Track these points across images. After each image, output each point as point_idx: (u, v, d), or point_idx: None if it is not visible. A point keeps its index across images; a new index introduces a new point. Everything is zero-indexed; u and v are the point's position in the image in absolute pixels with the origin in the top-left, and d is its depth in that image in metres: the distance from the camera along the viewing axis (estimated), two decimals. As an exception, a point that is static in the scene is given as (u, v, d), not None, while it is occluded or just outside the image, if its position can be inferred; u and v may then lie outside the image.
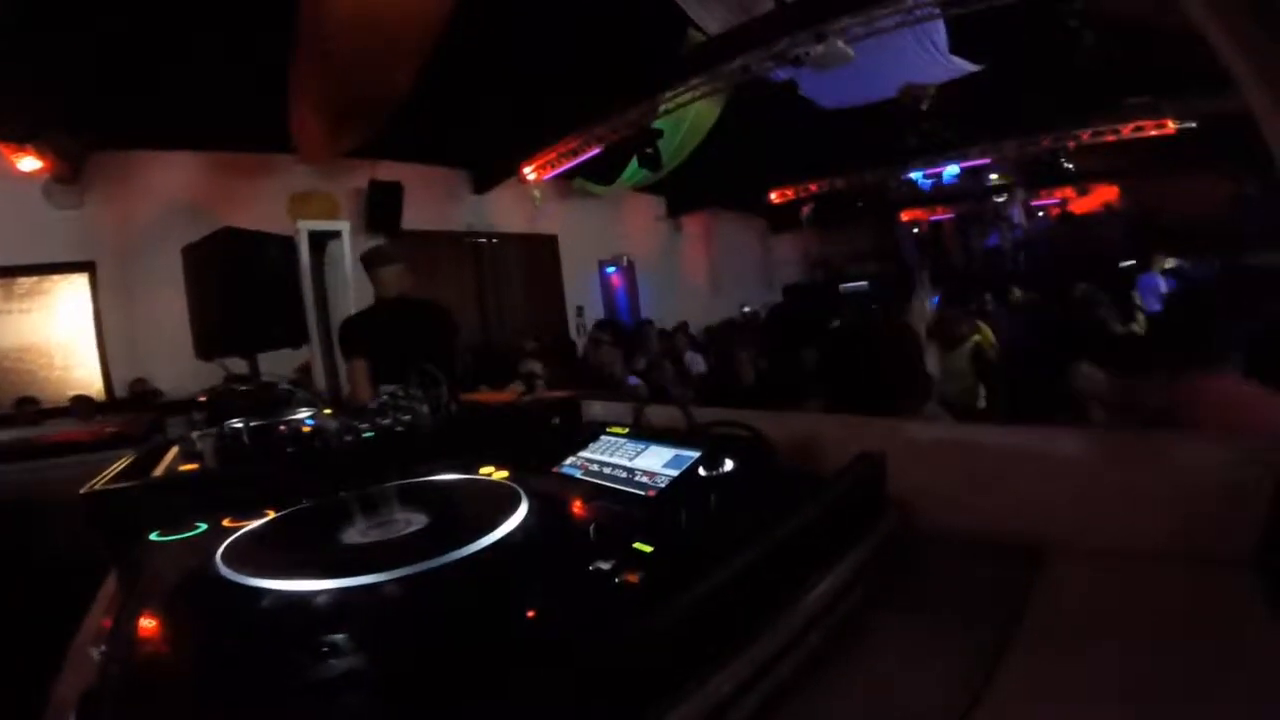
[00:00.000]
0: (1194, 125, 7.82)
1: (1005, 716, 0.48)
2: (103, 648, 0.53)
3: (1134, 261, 7.58)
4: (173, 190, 5.40)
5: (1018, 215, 11.35)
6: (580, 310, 9.04)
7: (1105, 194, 10.95)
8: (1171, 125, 8.02)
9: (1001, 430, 0.81)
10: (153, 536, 0.73)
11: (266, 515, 0.74)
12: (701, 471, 0.73)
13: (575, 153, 7.21)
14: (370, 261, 3.05)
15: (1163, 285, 6.35)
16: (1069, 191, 11.14)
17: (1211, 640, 0.53)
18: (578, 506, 0.73)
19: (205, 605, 0.55)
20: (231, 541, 0.62)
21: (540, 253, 8.77)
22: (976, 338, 3.57)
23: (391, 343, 2.76)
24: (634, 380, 3.51)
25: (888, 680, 0.55)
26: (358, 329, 2.99)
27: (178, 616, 0.55)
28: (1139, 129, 8.22)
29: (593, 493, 0.79)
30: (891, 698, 0.53)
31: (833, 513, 0.65)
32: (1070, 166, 9.49)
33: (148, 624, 0.56)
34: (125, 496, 0.91)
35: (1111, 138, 8.50)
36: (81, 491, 0.95)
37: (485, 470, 0.88)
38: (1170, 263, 6.87)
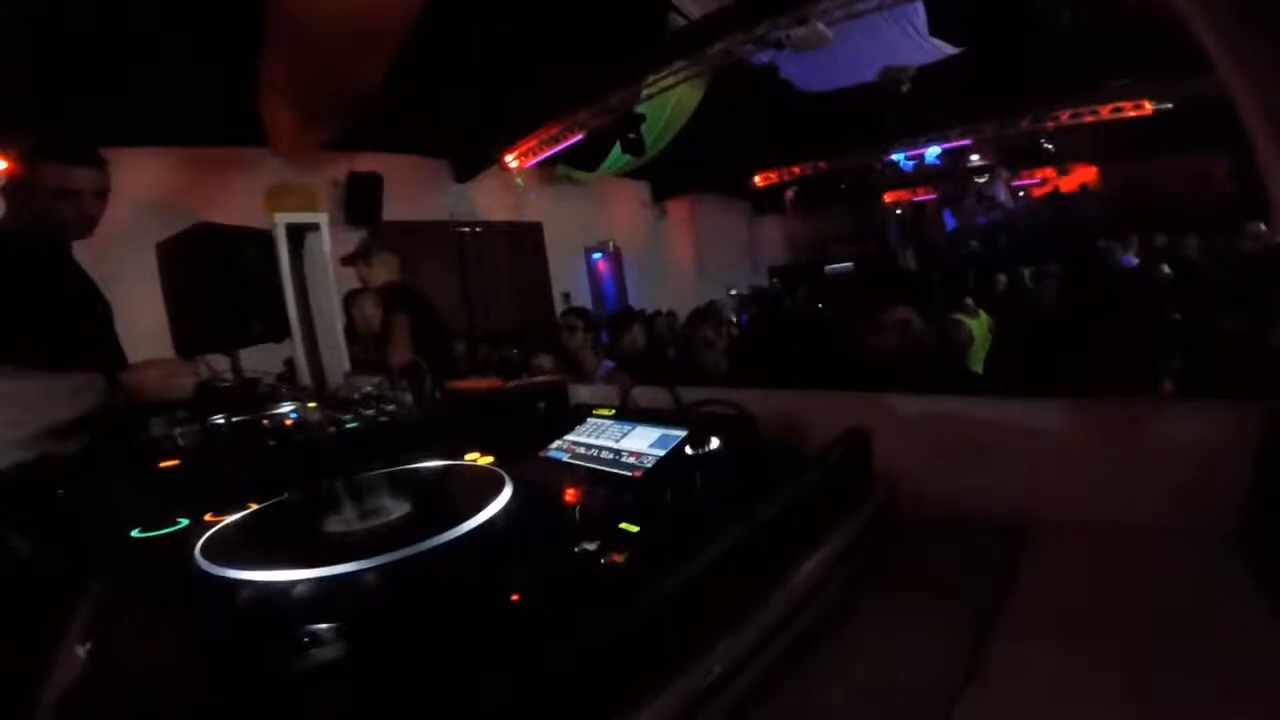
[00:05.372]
0: (1170, 106, 7.88)
1: (995, 693, 0.48)
2: (87, 645, 0.53)
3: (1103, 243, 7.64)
4: (145, 186, 5.27)
5: (1001, 195, 11.42)
6: (567, 297, 9.00)
7: (1084, 174, 11.05)
8: (1149, 106, 8.08)
9: (986, 403, 0.81)
10: (134, 533, 0.72)
11: (249, 508, 0.73)
12: (688, 451, 0.73)
13: (557, 139, 7.14)
14: (365, 251, 3.19)
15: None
16: (1049, 172, 11.22)
17: (1196, 614, 0.54)
18: (564, 489, 0.73)
19: (185, 599, 0.54)
20: (211, 534, 0.61)
21: (525, 241, 8.70)
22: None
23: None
24: (610, 364, 3.49)
25: (877, 657, 0.55)
26: (406, 292, 3.07)
27: (159, 612, 0.54)
28: (1117, 110, 8.29)
29: (579, 475, 0.79)
30: (882, 675, 0.53)
31: (819, 489, 0.65)
32: (1050, 147, 9.56)
33: (130, 620, 0.55)
34: (107, 493, 0.90)
35: (1090, 119, 8.57)
36: (60, 491, 0.94)
37: (470, 457, 0.88)
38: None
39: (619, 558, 0.53)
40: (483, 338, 5.94)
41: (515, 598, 0.49)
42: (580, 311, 3.82)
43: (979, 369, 3.43)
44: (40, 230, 1.60)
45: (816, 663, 0.54)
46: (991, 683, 0.49)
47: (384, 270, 3.16)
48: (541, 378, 1.44)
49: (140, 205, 4.88)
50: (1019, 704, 0.48)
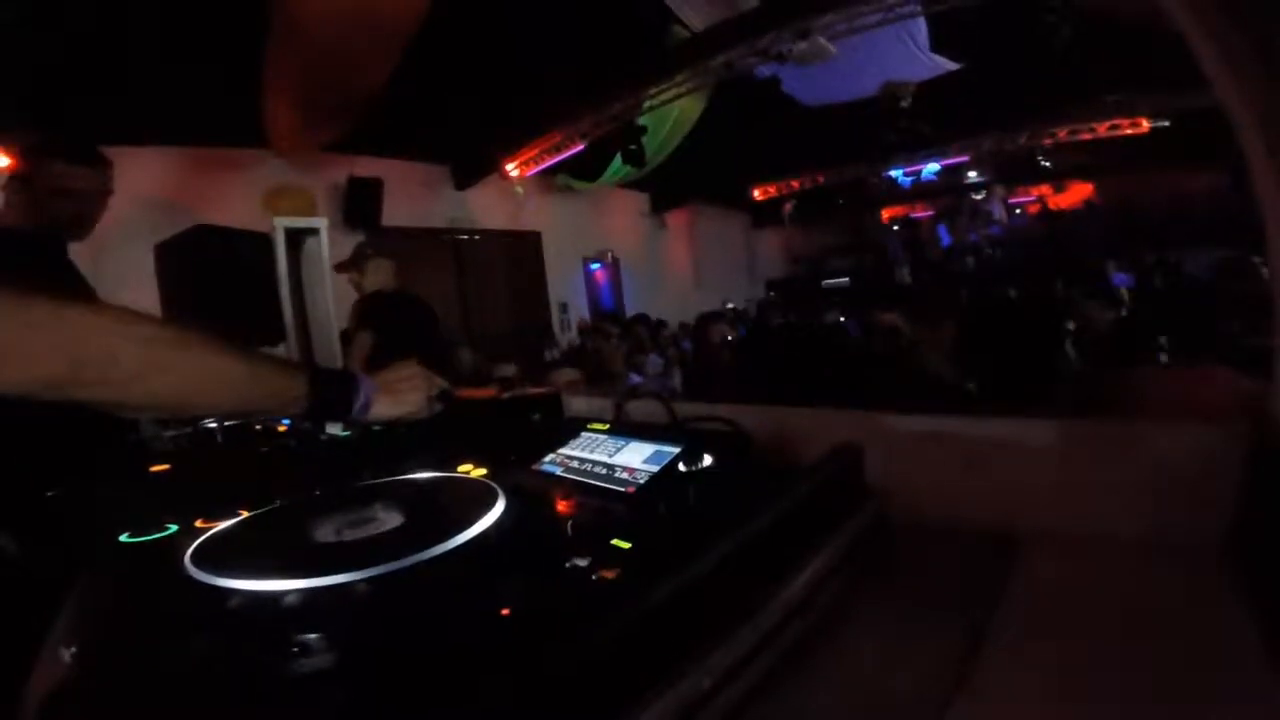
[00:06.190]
0: (1166, 123, 7.96)
1: (989, 698, 0.48)
2: (73, 649, 0.52)
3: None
4: (144, 186, 5.26)
5: (998, 211, 11.49)
6: (564, 307, 9.00)
7: (1081, 191, 11.12)
8: (1145, 123, 8.16)
9: (977, 421, 0.82)
10: (123, 538, 0.72)
11: (239, 515, 0.73)
12: (681, 467, 0.73)
13: (558, 148, 7.15)
14: (359, 257, 3.14)
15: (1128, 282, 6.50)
16: (1046, 188, 11.30)
17: (1186, 622, 0.55)
18: (556, 503, 0.73)
19: (173, 606, 0.54)
20: (201, 542, 0.61)
21: (523, 249, 8.70)
22: None
23: (390, 334, 2.82)
24: (636, 378, 3.47)
25: (869, 670, 0.55)
26: (372, 306, 3.03)
27: (146, 618, 0.54)
28: (1114, 127, 8.36)
29: (572, 489, 0.79)
30: (873, 687, 0.53)
31: (812, 504, 0.65)
32: (1047, 164, 9.63)
33: (116, 625, 0.55)
34: (96, 497, 0.90)
35: (1088, 135, 8.63)
36: (49, 493, 0.93)
37: (464, 468, 0.87)
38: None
39: (610, 574, 0.53)
40: (478, 346, 5.94)
41: (505, 612, 0.49)
42: (614, 318, 3.80)
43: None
44: (38, 228, 1.59)
45: (812, 669, 0.54)
46: (985, 689, 0.49)
47: (377, 277, 3.13)
48: (536, 389, 1.44)
49: (139, 205, 4.88)
50: (1012, 709, 0.48)
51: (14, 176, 1.60)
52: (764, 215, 12.38)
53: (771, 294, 12.25)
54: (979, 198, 11.56)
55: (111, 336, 0.61)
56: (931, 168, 10.31)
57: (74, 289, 1.72)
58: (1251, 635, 0.49)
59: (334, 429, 1.10)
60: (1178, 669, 0.49)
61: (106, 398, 0.61)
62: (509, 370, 3.29)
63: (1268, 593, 0.52)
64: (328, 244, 5.51)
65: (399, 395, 0.86)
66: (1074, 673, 0.50)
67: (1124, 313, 4.48)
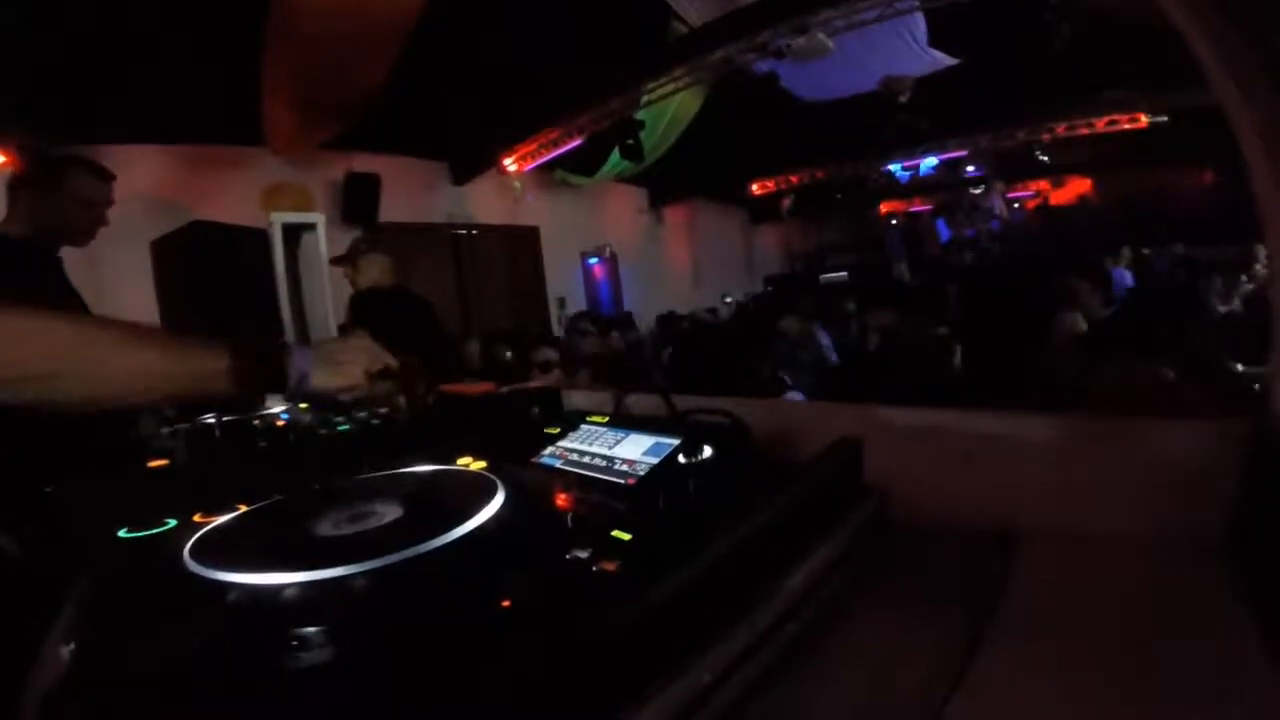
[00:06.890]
0: (1165, 119, 7.96)
1: (983, 701, 0.48)
2: (72, 645, 0.52)
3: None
4: (141, 184, 5.22)
5: (997, 206, 11.49)
6: (562, 302, 9.00)
7: (1080, 186, 11.13)
8: (1144, 119, 8.16)
9: (975, 415, 0.82)
10: (121, 533, 0.71)
11: (238, 509, 0.73)
12: (681, 459, 0.73)
13: (556, 143, 7.14)
14: (353, 253, 3.12)
15: (1129, 279, 6.50)
16: (1044, 184, 11.30)
17: (1184, 620, 0.55)
18: (556, 495, 0.72)
19: (172, 601, 0.53)
20: (200, 536, 0.61)
21: (521, 244, 8.70)
22: None
23: (385, 330, 2.81)
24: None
25: (869, 667, 0.55)
26: (366, 303, 3.02)
27: (145, 613, 0.54)
28: (1113, 123, 8.36)
29: (572, 482, 0.78)
30: (873, 684, 0.54)
31: (812, 498, 0.65)
32: (1045, 159, 9.63)
33: (116, 621, 0.55)
34: (95, 493, 0.89)
35: (1085, 131, 8.64)
36: (47, 489, 0.93)
37: (463, 461, 0.87)
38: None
39: (610, 565, 0.53)
40: (478, 340, 5.94)
41: (505, 604, 0.49)
42: (591, 316, 3.81)
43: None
44: (42, 233, 1.65)
45: (810, 666, 0.54)
46: (985, 687, 0.49)
47: (371, 272, 3.11)
48: (536, 382, 1.43)
49: (136, 203, 4.85)
50: (1012, 707, 0.48)
51: (35, 184, 1.68)
52: (762, 210, 12.37)
53: (769, 288, 12.25)
54: (977, 193, 11.55)
55: (20, 343, 0.62)
56: (929, 162, 10.31)
57: (60, 293, 1.77)
58: (1251, 635, 0.49)
59: (287, 411, 1.10)
60: (1178, 668, 0.48)
61: (22, 399, 0.63)
62: (551, 354, 3.30)
63: (1268, 592, 0.52)
64: (325, 240, 5.49)
65: (339, 366, 0.83)
66: (1074, 671, 0.50)
67: (1117, 307, 4.48)
